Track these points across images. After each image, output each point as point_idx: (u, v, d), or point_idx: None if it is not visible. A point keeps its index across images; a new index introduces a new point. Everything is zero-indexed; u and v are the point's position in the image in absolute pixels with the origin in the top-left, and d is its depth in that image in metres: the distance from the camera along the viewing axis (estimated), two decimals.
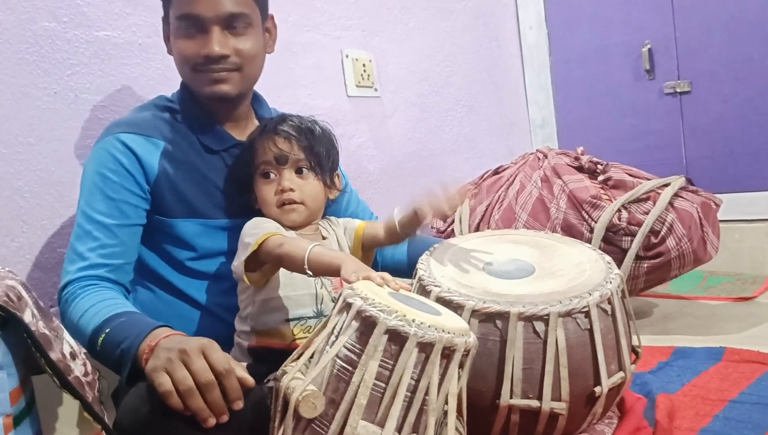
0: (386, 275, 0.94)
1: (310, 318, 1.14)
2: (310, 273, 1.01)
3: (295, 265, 1.03)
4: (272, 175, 1.20)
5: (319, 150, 1.22)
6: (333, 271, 0.97)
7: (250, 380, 0.91)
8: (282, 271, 1.13)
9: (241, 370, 0.91)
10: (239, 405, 0.90)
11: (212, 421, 0.88)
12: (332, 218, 1.32)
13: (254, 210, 1.24)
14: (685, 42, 2.47)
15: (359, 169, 2.13)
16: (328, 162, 1.23)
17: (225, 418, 0.89)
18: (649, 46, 2.54)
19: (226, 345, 1.16)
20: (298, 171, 1.20)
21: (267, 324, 1.14)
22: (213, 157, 1.28)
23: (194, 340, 0.94)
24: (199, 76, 1.23)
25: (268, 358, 1.08)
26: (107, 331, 1.04)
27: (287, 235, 1.14)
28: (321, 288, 1.16)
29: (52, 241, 1.43)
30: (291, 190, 1.18)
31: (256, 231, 1.12)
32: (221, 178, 1.28)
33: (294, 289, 1.15)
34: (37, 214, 1.41)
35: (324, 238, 1.25)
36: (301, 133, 1.21)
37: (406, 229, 1.18)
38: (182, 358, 0.90)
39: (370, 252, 1.30)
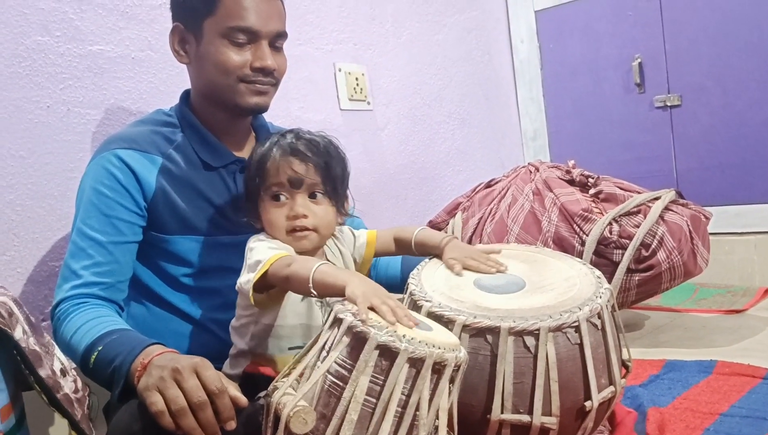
0: (395, 305, 0.90)
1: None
2: (315, 293, 0.95)
3: (301, 286, 0.97)
4: (283, 198, 1.12)
5: (336, 173, 1.14)
6: (338, 291, 0.92)
7: (243, 399, 0.90)
8: (296, 299, 1.09)
9: (233, 389, 0.91)
10: (231, 425, 0.89)
11: None
12: (336, 231, 1.25)
13: (253, 227, 1.19)
14: (675, 56, 2.49)
15: (352, 181, 2.11)
16: (342, 186, 1.17)
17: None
18: (639, 60, 2.57)
19: (219, 361, 1.16)
20: (312, 195, 1.13)
21: (267, 348, 1.10)
22: (211, 173, 1.27)
23: (186, 358, 0.93)
24: (244, 86, 1.22)
25: (261, 382, 1.06)
26: (99, 348, 1.04)
27: (295, 255, 1.08)
28: (325, 304, 1.12)
29: (43, 255, 1.43)
30: (304, 216, 1.11)
31: (265, 250, 1.06)
32: (219, 194, 1.27)
33: (301, 319, 1.11)
34: (29, 228, 1.41)
35: (326, 259, 1.18)
36: (319, 156, 1.13)
37: (422, 251, 1.23)
38: (174, 376, 0.89)
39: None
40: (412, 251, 1.25)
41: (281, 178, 1.11)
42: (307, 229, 1.11)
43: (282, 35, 1.26)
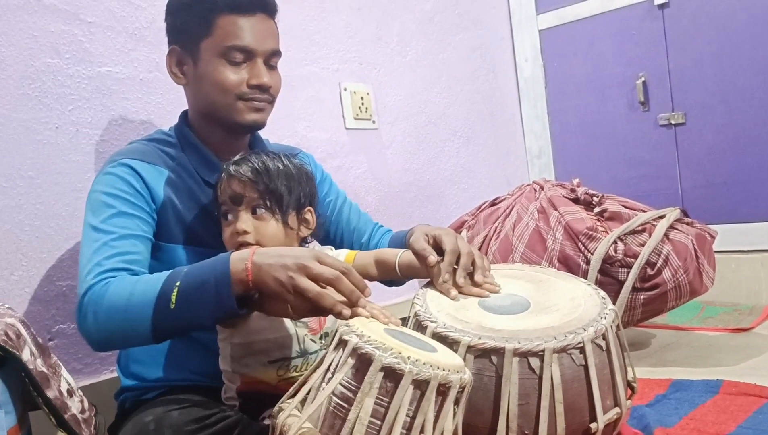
0: (374, 309, 0.96)
1: (294, 358, 1.12)
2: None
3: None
4: (229, 217, 1.17)
5: (277, 189, 1.16)
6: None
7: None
8: (256, 314, 1.09)
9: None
10: (369, 292, 0.98)
11: (347, 312, 0.93)
12: (316, 249, 1.27)
13: None
14: (679, 74, 2.50)
15: (357, 199, 2.14)
16: (289, 200, 1.18)
17: (363, 301, 0.96)
18: (643, 78, 2.58)
19: (219, 379, 1.16)
20: (254, 212, 1.16)
21: (249, 366, 1.11)
22: (211, 190, 1.29)
23: (298, 249, 1.00)
24: (242, 104, 1.25)
25: (258, 399, 1.07)
26: (178, 284, 0.99)
27: None
28: (298, 328, 1.14)
29: (51, 275, 1.44)
30: (245, 232, 1.14)
31: None
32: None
33: (273, 332, 1.12)
34: (37, 247, 1.42)
35: None
36: (257, 174, 1.16)
37: (408, 274, 1.20)
38: (302, 269, 0.94)
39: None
40: (396, 274, 1.21)
41: (224, 197, 1.17)
42: (249, 244, 1.14)
43: (276, 53, 1.30)
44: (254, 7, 1.25)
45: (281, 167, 1.19)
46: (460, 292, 1.13)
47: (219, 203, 1.19)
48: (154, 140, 1.31)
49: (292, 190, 1.18)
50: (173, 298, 0.97)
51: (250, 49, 1.24)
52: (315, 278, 0.93)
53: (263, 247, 1.10)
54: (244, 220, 1.15)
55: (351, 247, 1.44)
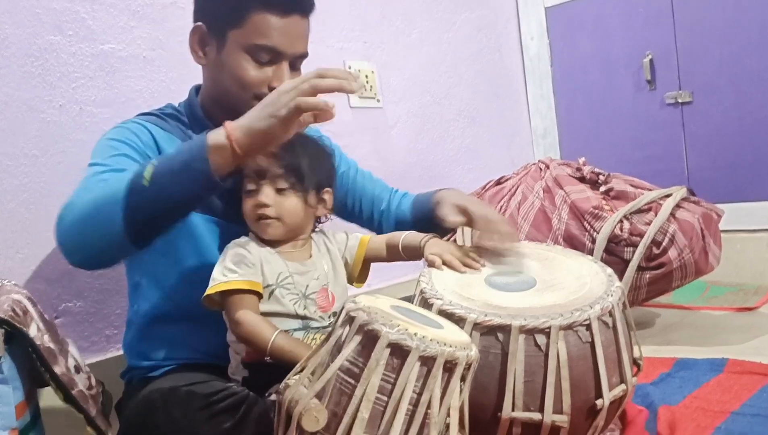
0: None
1: (296, 330, 1.12)
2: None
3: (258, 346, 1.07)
4: (250, 188, 1.18)
5: (300, 166, 1.17)
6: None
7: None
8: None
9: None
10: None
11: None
12: (329, 233, 1.29)
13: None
14: (686, 53, 2.48)
15: None
16: (311, 178, 1.19)
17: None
18: (650, 56, 2.55)
19: (224, 358, 1.17)
20: (278, 187, 1.17)
21: None
22: None
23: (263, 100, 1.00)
24: (257, 103, 1.22)
25: (264, 371, 1.08)
26: (153, 163, 0.96)
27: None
28: (304, 299, 1.15)
29: (57, 253, 1.42)
30: (266, 205, 1.15)
31: (220, 269, 1.12)
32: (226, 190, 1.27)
33: (273, 305, 1.13)
34: (42, 226, 1.42)
35: (311, 255, 1.21)
36: (282, 149, 1.15)
37: (410, 254, 1.24)
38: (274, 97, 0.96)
39: (368, 264, 1.30)
40: (400, 255, 1.27)
41: (248, 171, 1.17)
42: (269, 217, 1.15)
43: (304, 56, 1.25)
44: (291, 8, 1.19)
45: (306, 146, 1.20)
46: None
47: (243, 176, 1.18)
48: (166, 114, 1.28)
49: (315, 169, 1.20)
50: (147, 176, 0.93)
51: (278, 51, 1.19)
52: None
53: (284, 222, 1.16)
54: (267, 194, 1.16)
55: (371, 216, 1.46)
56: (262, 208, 1.15)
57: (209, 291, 1.09)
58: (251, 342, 1.07)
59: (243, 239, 1.18)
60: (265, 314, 1.11)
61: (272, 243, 1.18)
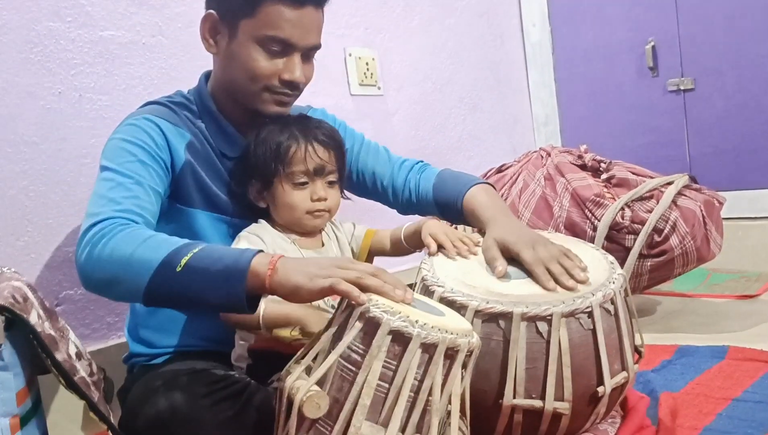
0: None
1: None
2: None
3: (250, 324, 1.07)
4: (305, 181, 1.19)
5: (342, 160, 1.24)
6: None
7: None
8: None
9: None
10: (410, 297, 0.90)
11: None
12: (336, 222, 1.31)
13: (262, 209, 1.23)
14: (689, 39, 2.46)
15: None
16: (344, 169, 1.26)
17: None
18: (652, 43, 2.54)
19: (227, 344, 1.16)
20: (328, 180, 1.22)
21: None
22: (227, 162, 1.26)
23: (321, 260, 0.96)
24: (267, 95, 1.20)
25: (269, 359, 1.08)
26: (195, 250, 0.93)
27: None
28: None
29: (57, 240, 1.44)
30: (325, 199, 1.20)
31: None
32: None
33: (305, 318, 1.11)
34: (42, 214, 1.42)
35: (323, 244, 1.24)
36: (336, 144, 1.22)
37: (412, 244, 1.27)
38: (336, 268, 0.89)
39: (372, 257, 1.32)
40: (404, 247, 1.29)
41: (308, 166, 1.18)
42: (324, 210, 1.21)
43: (316, 47, 1.23)
44: (304, 0, 1.17)
45: (334, 137, 1.24)
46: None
47: (292, 171, 1.18)
48: (176, 103, 1.25)
49: (344, 159, 1.26)
50: (183, 262, 0.91)
51: (290, 43, 1.17)
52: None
53: (331, 213, 1.23)
54: (323, 188, 1.20)
55: (378, 191, 1.42)
56: (321, 201, 1.19)
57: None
58: (240, 322, 1.08)
59: (256, 226, 1.18)
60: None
61: (287, 231, 1.21)
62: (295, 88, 1.21)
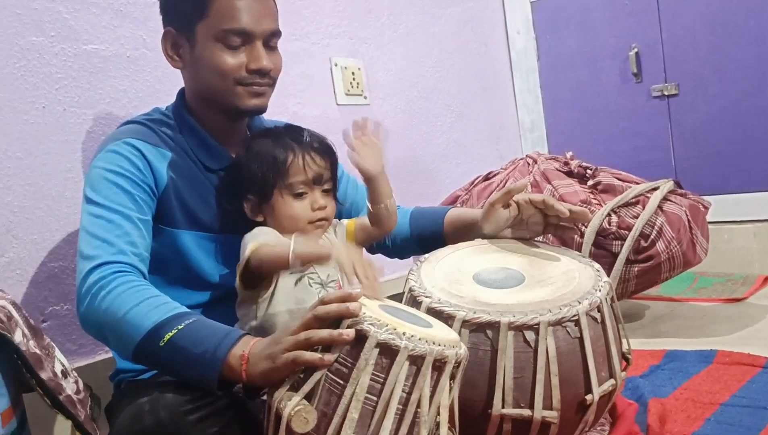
0: (372, 276, 0.96)
1: None
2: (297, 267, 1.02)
3: (281, 262, 1.03)
4: (305, 192, 1.19)
5: (336, 166, 1.25)
6: (323, 258, 1.00)
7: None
8: (287, 286, 1.11)
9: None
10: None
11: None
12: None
13: (251, 223, 1.22)
14: (672, 45, 2.48)
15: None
16: (337, 179, 1.27)
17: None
18: (636, 49, 2.56)
19: None
20: (324, 188, 1.21)
21: None
22: (211, 175, 1.26)
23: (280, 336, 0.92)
24: (241, 89, 1.21)
25: None
26: (179, 327, 0.95)
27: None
28: (324, 287, 1.15)
29: (42, 256, 1.43)
30: (325, 207, 1.20)
31: (248, 245, 1.10)
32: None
33: (301, 293, 1.13)
34: (27, 229, 1.41)
35: None
36: (330, 153, 1.23)
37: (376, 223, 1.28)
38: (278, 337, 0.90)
39: (365, 245, 1.33)
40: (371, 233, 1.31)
41: (307, 176, 1.19)
42: (325, 219, 1.21)
43: (276, 34, 1.25)
44: None
45: (328, 148, 1.24)
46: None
47: (291, 181, 1.18)
48: (154, 121, 1.26)
49: (338, 169, 1.27)
50: (166, 338, 0.95)
51: (247, 32, 1.19)
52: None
53: (330, 222, 1.23)
54: (322, 196, 1.21)
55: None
56: (322, 211, 1.20)
57: (241, 265, 1.09)
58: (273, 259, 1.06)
59: (261, 230, 1.17)
60: (291, 302, 1.12)
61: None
62: (264, 75, 1.22)
